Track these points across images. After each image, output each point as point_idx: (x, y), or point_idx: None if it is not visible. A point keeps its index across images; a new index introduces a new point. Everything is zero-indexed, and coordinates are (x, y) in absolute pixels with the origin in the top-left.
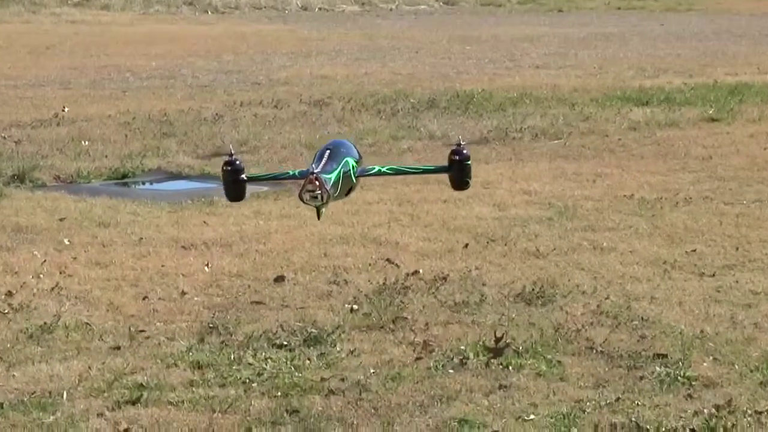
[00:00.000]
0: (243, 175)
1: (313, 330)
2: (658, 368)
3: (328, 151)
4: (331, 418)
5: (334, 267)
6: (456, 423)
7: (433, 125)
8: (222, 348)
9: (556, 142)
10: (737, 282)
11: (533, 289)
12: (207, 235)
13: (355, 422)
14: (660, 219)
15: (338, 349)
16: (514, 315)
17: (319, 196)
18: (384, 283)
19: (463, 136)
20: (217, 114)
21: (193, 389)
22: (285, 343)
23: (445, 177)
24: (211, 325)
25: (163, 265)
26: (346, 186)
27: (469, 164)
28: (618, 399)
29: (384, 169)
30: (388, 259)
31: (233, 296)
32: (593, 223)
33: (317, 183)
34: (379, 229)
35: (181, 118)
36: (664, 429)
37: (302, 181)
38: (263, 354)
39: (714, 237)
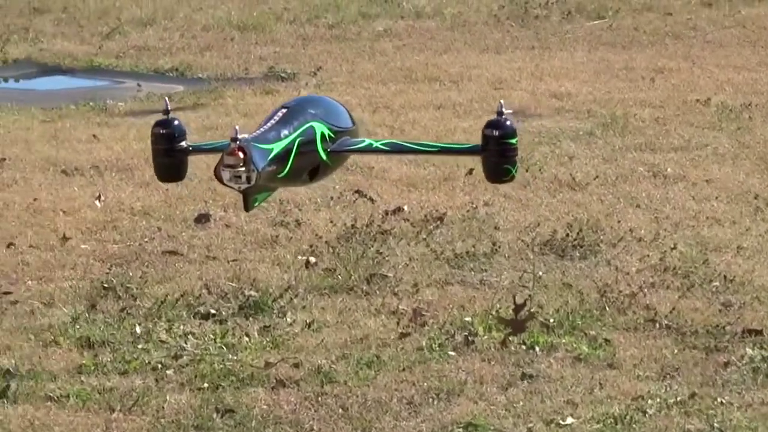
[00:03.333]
0: (184, 143)
1: (253, 293)
2: (750, 350)
3: (284, 111)
4: (280, 421)
5: (281, 201)
6: (461, 429)
7: None
8: (122, 319)
9: (597, 22)
10: None
11: (568, 235)
12: (98, 155)
13: (315, 428)
14: (748, 134)
15: (289, 320)
16: (541, 272)
17: (244, 176)
18: (353, 226)
19: (468, 18)
20: None
21: (82, 378)
22: (212, 311)
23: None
24: (105, 286)
25: (35, 199)
26: (306, 164)
27: (513, 144)
28: (693, 395)
29: (378, 145)
30: (358, 191)
31: (137, 243)
32: (652, 140)
33: (242, 156)
34: None
35: None
36: None
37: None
38: (181, 327)
39: None
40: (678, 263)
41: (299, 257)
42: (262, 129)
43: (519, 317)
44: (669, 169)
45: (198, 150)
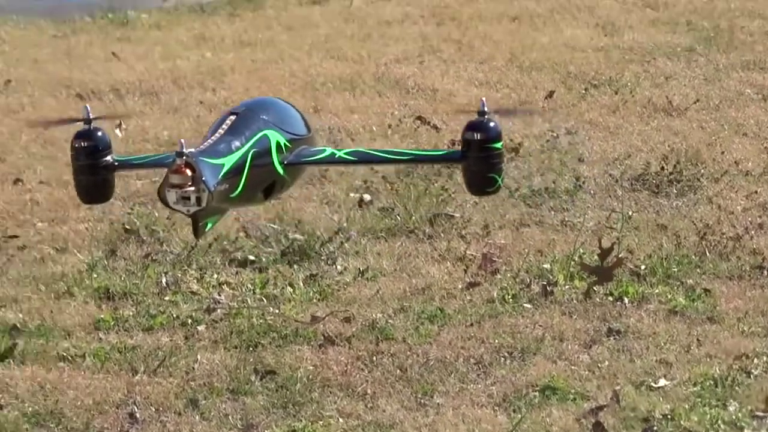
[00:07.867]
0: (110, 157)
1: (298, 236)
2: None
3: (233, 118)
4: (328, 383)
5: (329, 129)
6: (537, 392)
7: None
8: (146, 266)
9: None
10: None
11: (663, 168)
12: (118, 76)
13: (368, 391)
14: None
15: (339, 268)
16: (630, 211)
17: (193, 198)
18: None
19: None
20: None
21: (100, 335)
22: (251, 257)
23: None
24: (127, 228)
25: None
26: (261, 180)
27: (498, 149)
28: None
29: (342, 155)
30: (419, 117)
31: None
32: (762, 57)
33: (189, 173)
34: (403, 65)
35: None
36: None
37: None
38: (215, 276)
39: None
40: None
41: (351, 195)
42: (210, 140)
43: (605, 264)
44: None
45: (127, 165)
